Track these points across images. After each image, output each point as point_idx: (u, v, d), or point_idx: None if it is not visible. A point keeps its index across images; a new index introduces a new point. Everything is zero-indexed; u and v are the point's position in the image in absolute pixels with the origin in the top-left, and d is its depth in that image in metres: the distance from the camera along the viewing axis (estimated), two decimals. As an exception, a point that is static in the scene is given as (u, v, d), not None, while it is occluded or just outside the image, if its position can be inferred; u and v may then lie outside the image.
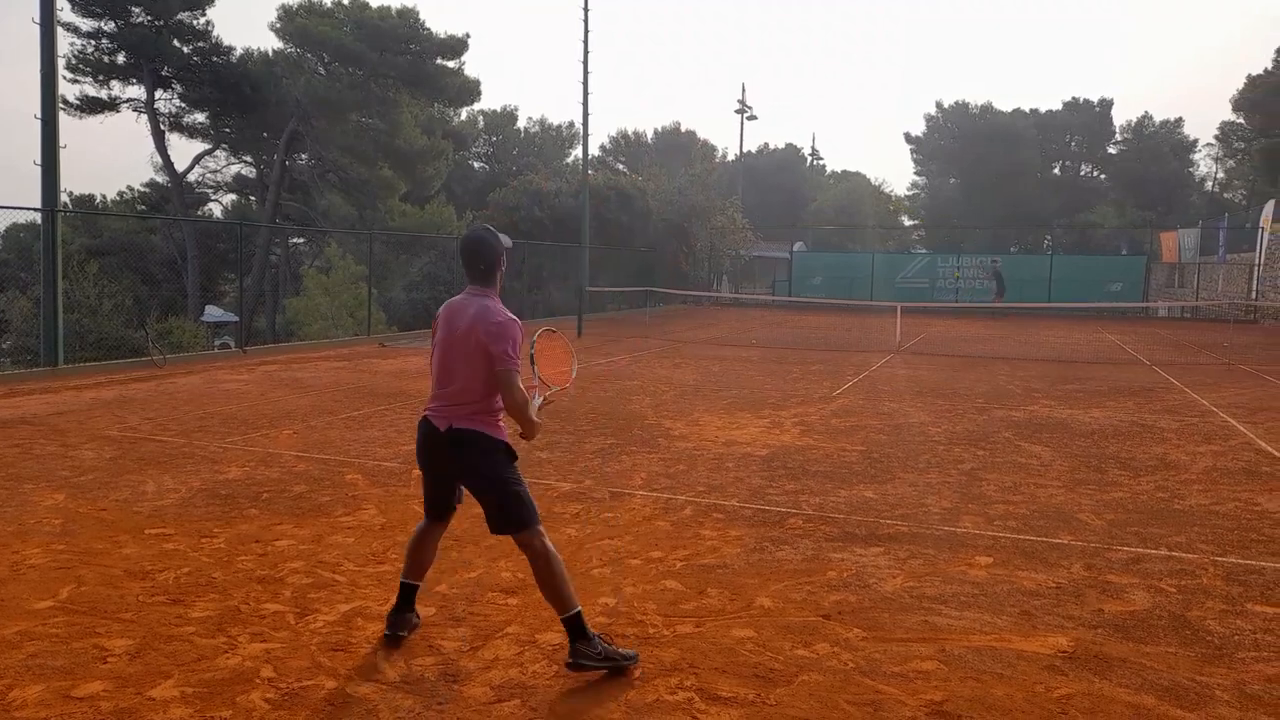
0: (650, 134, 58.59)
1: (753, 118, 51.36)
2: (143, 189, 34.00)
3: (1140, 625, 3.99)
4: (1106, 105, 54.15)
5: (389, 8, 30.54)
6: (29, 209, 13.63)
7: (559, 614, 3.44)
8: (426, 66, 31.20)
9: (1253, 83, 44.48)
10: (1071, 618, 4.06)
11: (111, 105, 28.91)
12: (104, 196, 35.92)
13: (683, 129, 59.57)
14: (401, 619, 3.74)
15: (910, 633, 3.87)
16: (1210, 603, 4.28)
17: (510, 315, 3.51)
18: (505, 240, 3.67)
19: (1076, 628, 3.95)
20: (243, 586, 4.30)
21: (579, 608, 3.43)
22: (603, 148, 56.94)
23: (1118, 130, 54.54)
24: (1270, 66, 43.92)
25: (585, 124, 30.22)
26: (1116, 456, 7.64)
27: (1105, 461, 7.43)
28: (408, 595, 3.78)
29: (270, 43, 48.03)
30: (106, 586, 4.28)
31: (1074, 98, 54.79)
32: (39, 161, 13.06)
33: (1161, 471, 7.10)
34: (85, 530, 5.17)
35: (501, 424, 3.56)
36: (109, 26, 27.53)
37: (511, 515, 3.46)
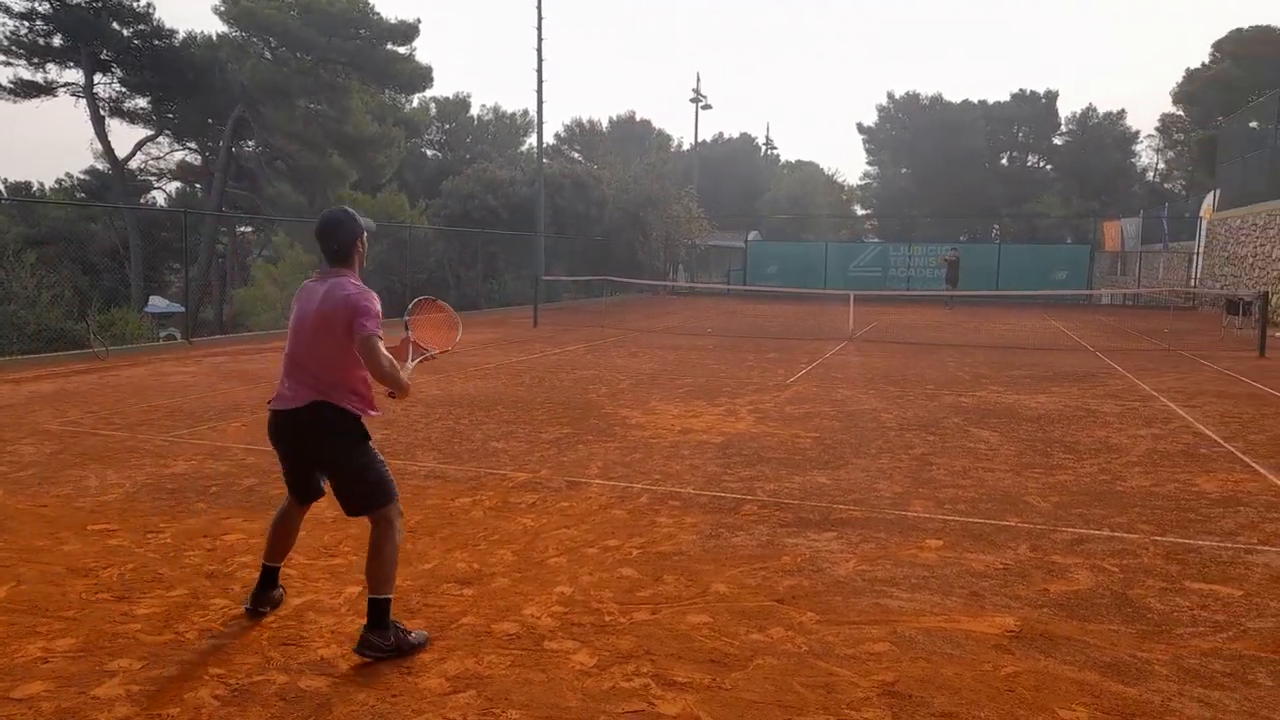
0: (605, 123, 58.43)
1: (707, 107, 51.47)
2: (82, 176, 33.08)
3: (1084, 604, 4.10)
4: (1052, 97, 55.18)
5: (337, -8, 29.96)
6: (-39, 196, 13.15)
7: (371, 593, 3.46)
8: (376, 52, 30.69)
9: (1191, 76, 45.72)
10: (1018, 598, 4.16)
11: (48, 89, 28.03)
12: (41, 184, 34.89)
13: (638, 118, 59.54)
14: (264, 596, 3.85)
15: (862, 615, 3.93)
16: (1150, 581, 4.41)
17: (363, 287, 3.55)
18: (367, 223, 3.69)
19: (1023, 607, 4.04)
20: (190, 582, 4.22)
21: (391, 595, 3.48)
22: (557, 136, 56.65)
23: (1063, 122, 55.67)
24: (1208, 60, 45.20)
25: (540, 112, 30.01)
26: (1061, 440, 7.82)
27: (1050, 445, 7.61)
28: (270, 577, 3.85)
29: (214, 26, 46.85)
30: (48, 584, 4.16)
31: (1021, 89, 55.81)
32: (-29, 147, 12.61)
33: (1104, 454, 7.28)
34: (25, 527, 5.02)
35: (357, 404, 3.54)
36: (44, 7, 26.66)
37: (366, 497, 3.52)
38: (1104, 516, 5.51)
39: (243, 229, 34.41)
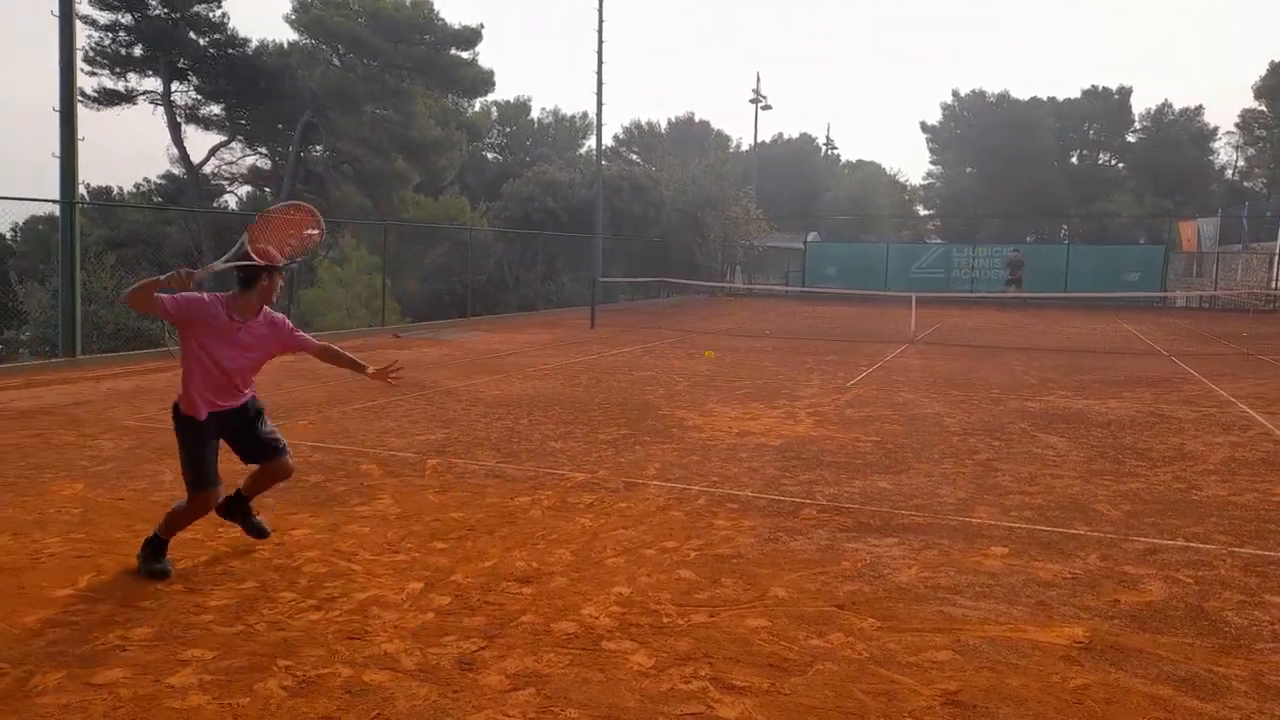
0: (664, 124, 58.35)
1: (767, 107, 50.97)
2: (159, 181, 34.22)
3: (1157, 616, 3.97)
4: (1125, 93, 53.44)
5: (403, -1, 30.53)
6: (48, 201, 13.74)
7: (154, 529, 4.41)
8: (440, 57, 31.17)
9: (1275, 69, 43.92)
10: (1087, 608, 4.04)
11: (128, 98, 29.12)
12: (121, 189, 36.20)
13: (697, 119, 59.36)
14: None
15: (925, 623, 3.86)
16: (1227, 594, 4.25)
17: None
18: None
19: (1092, 618, 3.93)
20: (260, 575, 4.34)
21: (168, 541, 4.40)
22: (616, 138, 56.75)
23: (1137, 118, 53.86)
24: (1292, 53, 43.37)
25: (599, 114, 30.18)
26: (1133, 447, 7.58)
27: (1122, 452, 7.38)
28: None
29: (285, 34, 48.19)
30: (126, 575, 4.32)
31: (1093, 86, 54.11)
32: (58, 154, 13.16)
33: (1179, 462, 7.04)
34: (104, 519, 5.22)
35: (181, 396, 4.58)
36: (126, 19, 27.67)
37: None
38: (1178, 526, 5.33)
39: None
